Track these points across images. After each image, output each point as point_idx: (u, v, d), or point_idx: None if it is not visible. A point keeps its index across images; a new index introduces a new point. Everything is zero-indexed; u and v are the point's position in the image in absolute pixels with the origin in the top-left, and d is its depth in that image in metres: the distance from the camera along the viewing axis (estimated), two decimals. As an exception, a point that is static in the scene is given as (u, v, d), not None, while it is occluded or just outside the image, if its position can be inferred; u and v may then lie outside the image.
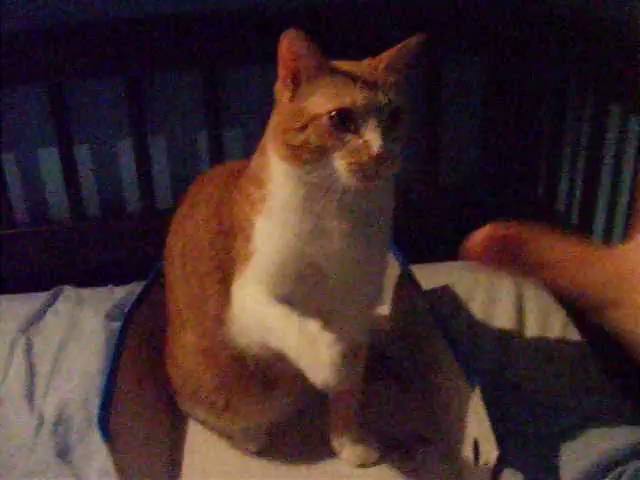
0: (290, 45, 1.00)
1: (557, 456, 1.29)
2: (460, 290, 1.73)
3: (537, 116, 1.87)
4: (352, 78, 1.01)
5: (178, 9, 1.73)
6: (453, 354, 1.27)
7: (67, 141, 1.79)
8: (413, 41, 1.07)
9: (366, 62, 1.07)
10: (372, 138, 0.99)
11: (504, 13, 1.81)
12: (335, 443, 1.35)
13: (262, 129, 1.69)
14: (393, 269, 1.56)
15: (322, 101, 1.01)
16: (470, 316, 1.68)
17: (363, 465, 1.33)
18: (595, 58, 1.60)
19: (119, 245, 1.89)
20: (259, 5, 1.76)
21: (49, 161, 1.85)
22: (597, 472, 1.24)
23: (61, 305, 1.73)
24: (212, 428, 1.39)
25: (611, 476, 1.24)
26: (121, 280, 1.82)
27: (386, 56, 1.06)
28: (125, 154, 1.86)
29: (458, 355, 1.26)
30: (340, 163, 1.00)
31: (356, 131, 1.00)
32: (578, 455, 1.28)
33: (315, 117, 1.00)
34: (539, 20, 1.77)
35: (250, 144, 1.86)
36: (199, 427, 1.40)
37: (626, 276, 0.51)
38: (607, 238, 1.67)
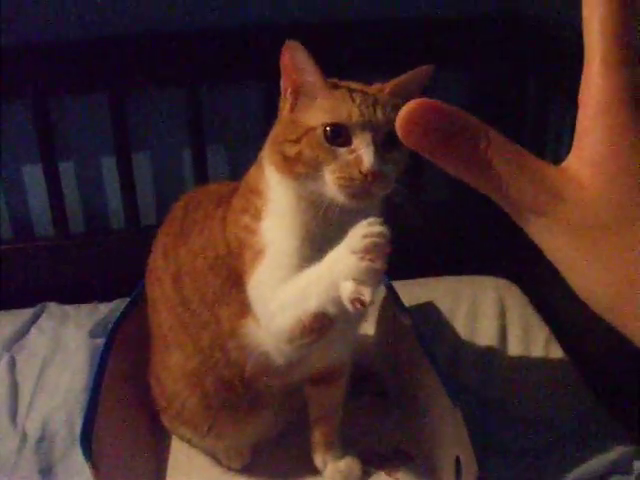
0: (291, 56, 1.01)
1: (541, 471, 1.31)
2: (443, 306, 1.74)
3: (521, 129, 1.89)
4: (351, 94, 1.01)
5: (163, 27, 1.73)
6: (435, 372, 1.28)
7: (51, 157, 1.79)
8: (423, 71, 1.07)
9: (373, 86, 1.07)
10: (364, 154, 0.98)
11: (490, 29, 1.83)
12: (318, 460, 1.35)
13: (246, 147, 1.71)
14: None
15: (318, 114, 1.01)
16: (453, 332, 1.69)
17: (346, 482, 1.33)
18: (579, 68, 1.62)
19: (103, 261, 1.88)
20: (244, 24, 1.76)
21: (33, 177, 1.84)
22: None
23: (45, 322, 1.73)
24: (196, 446, 1.38)
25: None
26: (106, 297, 1.82)
27: (393, 82, 1.06)
28: (109, 171, 1.86)
29: (440, 373, 1.27)
30: (331, 177, 1.00)
31: (350, 147, 1.00)
32: (561, 470, 1.29)
33: (310, 129, 1.01)
34: (523, 35, 1.79)
35: (234, 161, 1.89)
36: (182, 444, 1.40)
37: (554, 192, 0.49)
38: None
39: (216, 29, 1.76)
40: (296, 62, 1.02)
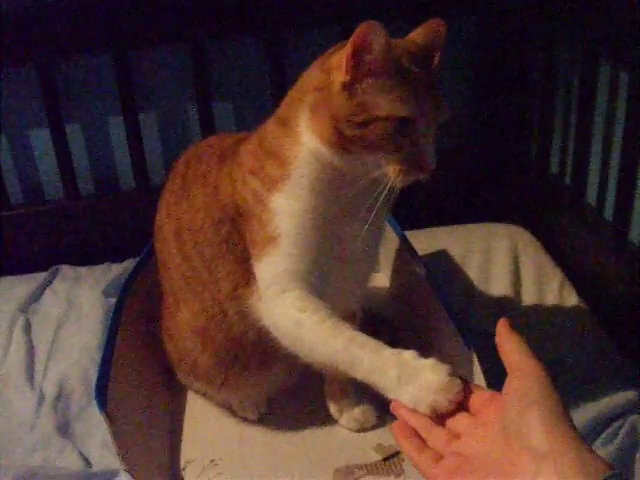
0: (369, 38, 0.96)
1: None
2: (456, 254, 1.74)
3: (528, 75, 1.86)
4: (420, 84, 1.00)
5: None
6: (448, 316, 1.27)
7: (58, 120, 1.78)
8: (436, 27, 1.07)
9: (424, 61, 1.04)
10: (429, 153, 1.01)
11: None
12: (333, 409, 1.36)
13: (251, 101, 1.68)
14: (391, 237, 1.56)
15: (387, 105, 0.99)
16: (467, 279, 1.68)
17: (362, 429, 1.34)
18: (584, 13, 1.60)
19: (115, 222, 1.88)
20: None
21: (41, 141, 1.84)
22: (595, 427, 1.26)
23: (59, 284, 1.74)
24: (211, 399, 1.39)
25: (609, 430, 1.25)
26: (118, 257, 1.83)
27: (437, 51, 1.06)
28: (117, 131, 1.86)
29: (454, 318, 1.26)
30: (392, 167, 1.01)
31: (414, 139, 1.00)
32: (576, 411, 1.29)
33: (378, 118, 0.99)
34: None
35: (240, 116, 1.88)
36: (198, 397, 1.41)
37: None
38: (600, 198, 1.66)
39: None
40: (374, 44, 0.96)
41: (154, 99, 1.86)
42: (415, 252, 1.46)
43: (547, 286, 1.64)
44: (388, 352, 0.98)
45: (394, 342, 1.51)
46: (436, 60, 1.05)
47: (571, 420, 0.77)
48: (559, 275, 1.65)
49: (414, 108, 0.99)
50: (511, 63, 1.86)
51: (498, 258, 1.72)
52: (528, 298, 1.63)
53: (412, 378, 0.93)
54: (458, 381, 0.90)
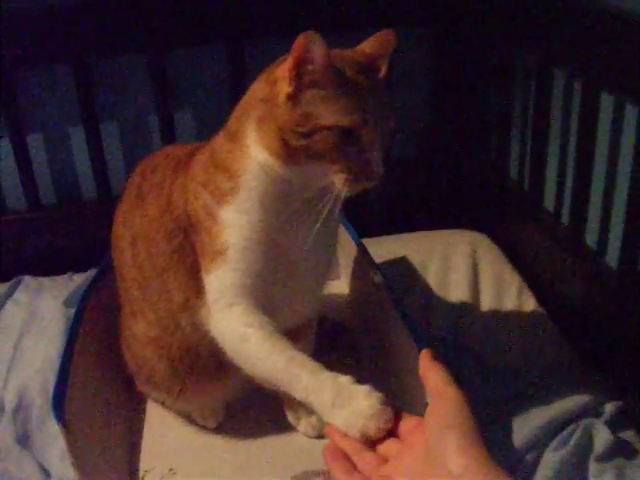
0: (306, 46, 0.97)
1: (511, 417, 1.32)
2: (416, 261, 1.75)
3: (485, 82, 1.89)
4: (364, 94, 1.01)
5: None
6: (403, 322, 1.29)
7: (19, 131, 1.78)
8: (386, 37, 1.09)
9: (369, 71, 1.05)
10: (374, 161, 1.01)
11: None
12: (291, 416, 1.37)
13: (212, 110, 1.69)
14: (351, 244, 1.58)
15: (330, 115, 0.99)
16: (426, 285, 1.70)
17: (320, 435, 1.34)
18: (536, 22, 1.63)
19: (77, 232, 1.88)
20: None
21: (2, 151, 1.84)
22: (550, 430, 1.28)
23: (21, 294, 1.74)
24: (170, 408, 1.39)
25: (563, 434, 1.27)
26: (81, 267, 1.82)
27: (384, 61, 1.07)
28: (78, 142, 1.86)
29: (409, 324, 1.27)
30: (338, 176, 1.01)
31: (359, 148, 1.00)
32: (531, 415, 1.31)
33: (322, 128, 0.99)
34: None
35: (201, 126, 1.89)
36: (157, 406, 1.41)
37: None
38: (557, 204, 1.69)
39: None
40: (313, 55, 0.97)
41: (115, 108, 1.86)
42: (372, 260, 1.48)
43: (505, 292, 1.67)
44: (326, 375, 1.01)
45: (353, 349, 1.54)
46: (383, 69, 1.06)
47: (485, 442, 0.83)
48: (517, 280, 1.68)
49: (358, 118, 0.99)
50: (467, 71, 1.89)
51: (457, 264, 1.74)
52: (487, 304, 1.66)
53: (346, 402, 0.97)
54: (389, 410, 0.95)
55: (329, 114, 0.99)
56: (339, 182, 1.01)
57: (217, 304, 1.12)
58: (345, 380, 1.00)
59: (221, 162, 1.11)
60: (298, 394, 1.03)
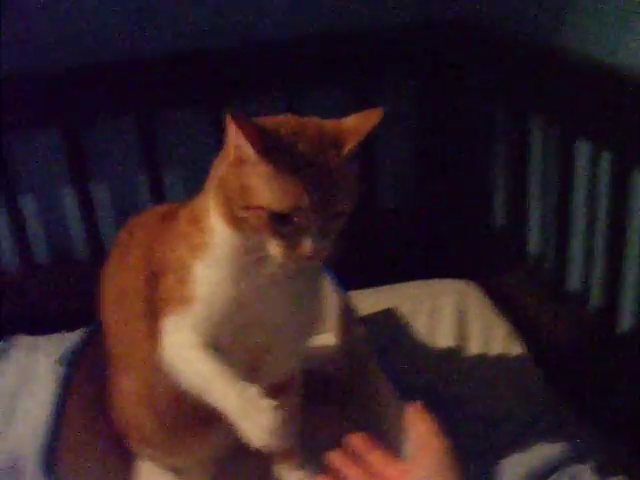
0: (236, 129, 0.96)
1: (496, 465, 1.33)
2: (403, 312, 1.77)
3: (468, 132, 1.92)
4: (306, 176, 0.97)
5: (111, 57, 1.76)
6: (386, 376, 1.30)
7: (11, 192, 1.82)
8: (373, 115, 1.02)
9: (331, 147, 1.00)
10: (306, 244, 0.99)
11: (434, 39, 1.86)
12: (279, 472, 1.37)
13: (202, 170, 1.71)
14: (336, 297, 1.60)
15: (262, 195, 0.97)
16: (412, 336, 1.71)
17: (308, 490, 1.35)
18: (513, 74, 1.67)
19: (71, 291, 1.90)
20: (191, 47, 1.80)
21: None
22: (534, 478, 1.29)
23: (14, 354, 1.73)
24: (161, 464, 1.40)
25: (548, 482, 1.28)
26: (75, 325, 1.84)
27: (353, 138, 1.01)
28: (70, 202, 1.90)
29: (391, 377, 1.29)
30: (274, 249, 1.00)
31: (292, 230, 0.99)
32: (515, 463, 1.32)
33: (257, 207, 0.98)
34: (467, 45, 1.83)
35: (190, 185, 1.91)
36: (149, 463, 1.42)
37: None
38: (541, 249, 1.72)
39: (166, 54, 1.78)
40: (240, 137, 0.96)
41: (105, 169, 1.89)
42: (356, 313, 1.49)
43: (492, 339, 1.68)
44: (241, 384, 1.04)
45: (340, 402, 1.56)
46: (349, 146, 1.01)
47: None
48: (504, 327, 1.70)
49: (291, 204, 0.96)
50: (450, 120, 1.92)
51: (444, 314, 1.75)
52: (473, 352, 1.67)
53: (251, 414, 1.01)
54: (288, 430, 1.01)
55: (261, 194, 0.97)
56: (277, 254, 1.01)
57: (168, 338, 1.13)
58: (254, 392, 1.03)
59: (195, 217, 1.12)
60: (216, 403, 1.06)
